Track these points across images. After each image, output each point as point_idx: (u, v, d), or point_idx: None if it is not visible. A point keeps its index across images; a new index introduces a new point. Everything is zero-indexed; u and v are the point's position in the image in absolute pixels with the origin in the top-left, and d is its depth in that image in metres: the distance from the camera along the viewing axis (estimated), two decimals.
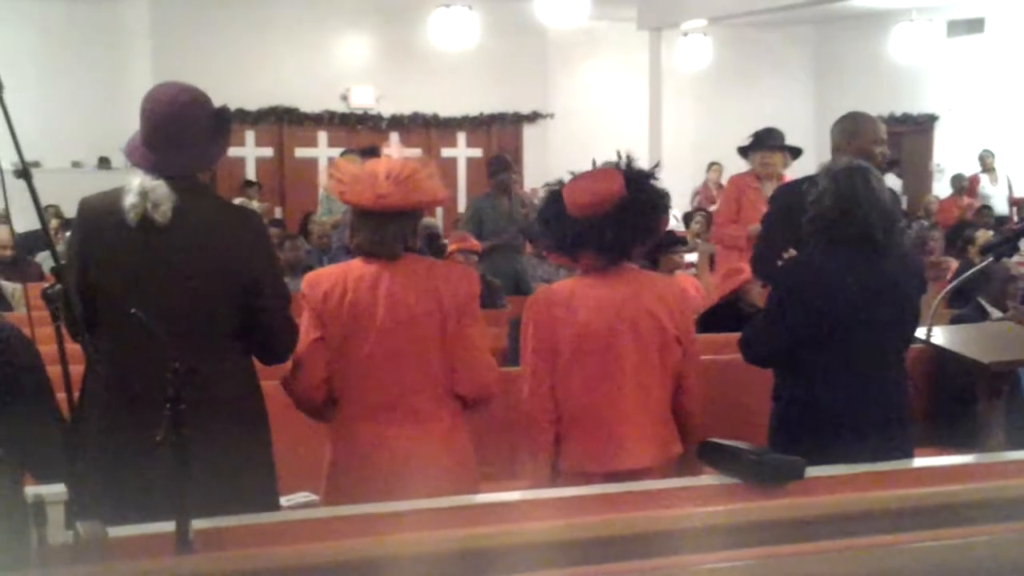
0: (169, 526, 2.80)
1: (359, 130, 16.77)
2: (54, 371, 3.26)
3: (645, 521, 3.18)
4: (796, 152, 8.11)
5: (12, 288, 8.28)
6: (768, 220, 5.38)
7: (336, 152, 13.76)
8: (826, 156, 5.03)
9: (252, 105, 15.93)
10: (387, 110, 17.07)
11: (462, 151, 17.80)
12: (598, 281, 3.93)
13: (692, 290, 8.63)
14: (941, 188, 17.80)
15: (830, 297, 3.98)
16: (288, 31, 16.24)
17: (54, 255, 3.26)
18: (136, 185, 3.45)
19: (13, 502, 2.73)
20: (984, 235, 9.96)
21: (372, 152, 8.74)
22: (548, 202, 4.02)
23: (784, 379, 4.14)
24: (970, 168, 16.96)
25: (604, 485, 3.59)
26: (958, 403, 5.22)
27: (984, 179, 16.77)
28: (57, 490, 2.75)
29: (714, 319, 6.59)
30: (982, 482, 3.59)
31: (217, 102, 3.62)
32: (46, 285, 3.32)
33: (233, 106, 4.07)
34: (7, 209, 3.24)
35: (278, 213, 15.65)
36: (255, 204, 13.04)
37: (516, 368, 4.05)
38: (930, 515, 3.33)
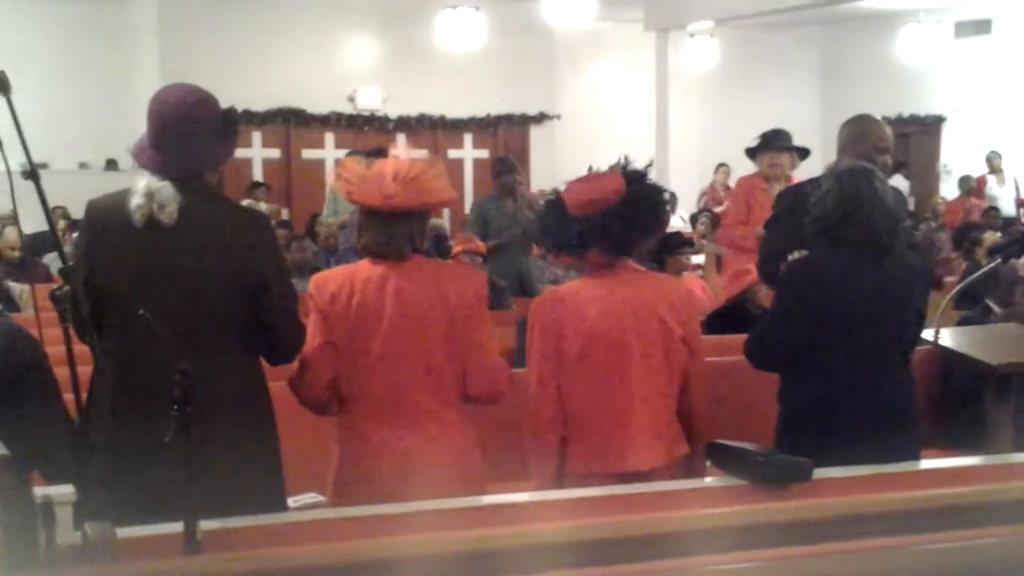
0: (177, 527, 2.80)
1: (366, 131, 16.79)
2: (62, 372, 3.27)
3: (652, 522, 3.17)
4: (804, 153, 8.10)
5: (20, 289, 8.31)
6: (772, 223, 5.37)
7: (342, 154, 13.78)
8: (833, 157, 5.04)
9: (259, 106, 15.96)
10: (394, 111, 17.09)
11: (468, 152, 17.81)
12: (604, 282, 3.93)
13: (699, 292, 8.62)
14: (948, 189, 17.78)
15: (834, 299, 3.97)
16: (295, 33, 16.27)
17: (62, 256, 3.27)
18: (142, 186, 3.45)
19: (21, 502, 2.73)
20: (991, 236, 9.95)
21: (379, 153, 8.73)
22: (549, 206, 4.03)
23: (789, 381, 4.14)
24: (977, 169, 16.94)
25: (612, 486, 3.59)
26: (965, 405, 5.22)
27: (991, 180, 16.75)
28: (65, 491, 2.76)
29: (721, 321, 6.59)
30: (990, 484, 3.58)
31: (224, 103, 3.62)
32: (54, 286, 3.33)
33: (240, 107, 4.07)
34: (15, 210, 3.25)
35: (285, 214, 15.67)
36: (262, 205, 13.05)
37: (524, 370, 4.06)
38: (938, 517, 3.32)
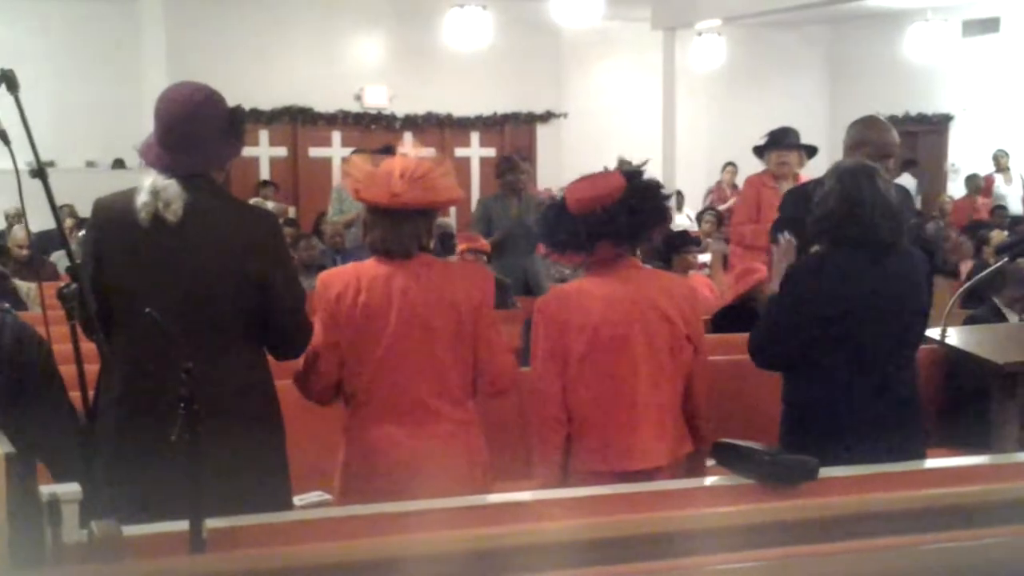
0: (183, 525, 2.80)
1: (373, 130, 16.80)
2: (69, 370, 3.28)
3: (658, 521, 3.17)
4: (812, 151, 8.09)
5: (27, 287, 8.32)
6: (777, 226, 5.37)
7: (349, 152, 13.78)
8: (840, 156, 5.03)
9: (266, 105, 15.98)
10: (401, 110, 17.09)
11: (475, 151, 17.82)
12: (608, 280, 3.93)
13: (706, 290, 8.62)
14: (956, 188, 17.76)
15: (837, 297, 3.97)
16: (302, 31, 16.28)
17: (69, 254, 3.28)
18: (148, 184, 3.46)
19: (27, 500, 2.74)
20: (999, 235, 9.94)
21: (388, 151, 8.74)
22: (549, 207, 4.06)
23: (793, 381, 4.13)
24: (985, 168, 16.92)
25: (618, 485, 3.59)
26: (972, 404, 5.20)
27: (999, 179, 16.73)
28: (71, 489, 2.76)
29: (728, 319, 6.59)
30: (996, 483, 3.58)
31: (231, 102, 3.62)
32: (61, 284, 3.34)
33: (247, 106, 4.08)
34: (23, 208, 3.26)
35: (292, 212, 15.68)
36: (269, 204, 13.06)
37: (529, 368, 4.06)
38: (944, 516, 3.32)
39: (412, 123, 17.15)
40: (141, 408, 3.39)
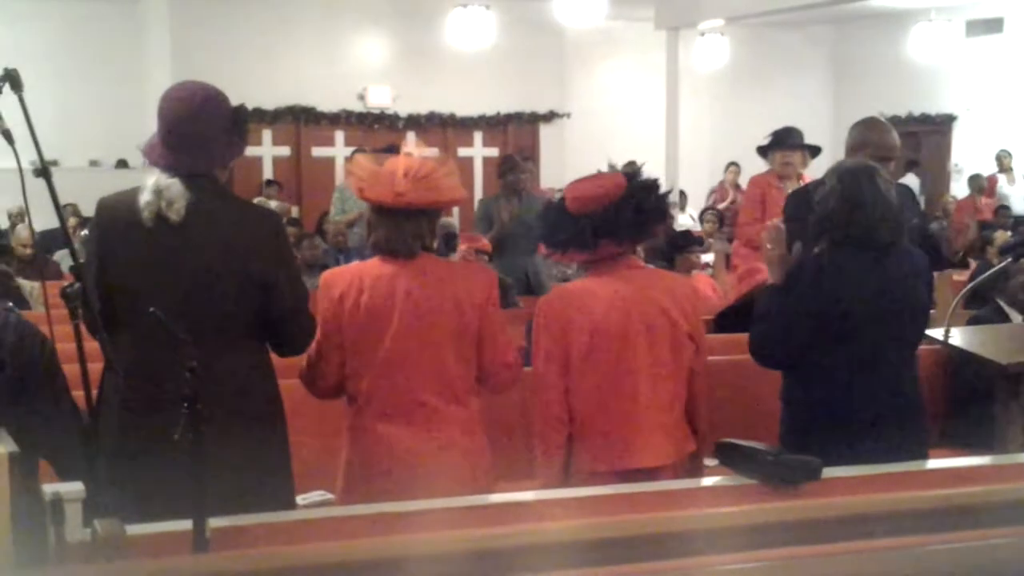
0: (186, 524, 2.80)
1: (376, 129, 16.80)
2: (72, 369, 3.28)
3: (660, 522, 3.17)
4: (816, 151, 8.08)
5: (31, 286, 8.33)
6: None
7: (352, 151, 13.79)
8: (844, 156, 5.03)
9: (269, 104, 15.97)
10: (404, 109, 17.09)
11: (478, 151, 17.81)
12: (610, 279, 3.93)
13: (709, 290, 8.62)
14: (959, 188, 17.75)
15: (838, 297, 3.97)
16: (305, 31, 16.28)
17: (72, 253, 3.28)
18: (151, 184, 3.46)
19: (30, 499, 2.74)
20: (1002, 236, 9.93)
21: (392, 151, 8.74)
22: (549, 207, 4.06)
23: (793, 380, 4.13)
24: (988, 168, 16.91)
25: (621, 485, 3.58)
26: (975, 404, 5.20)
27: (1002, 179, 16.72)
28: (75, 488, 2.76)
29: (730, 319, 6.58)
30: (999, 483, 3.57)
31: (234, 101, 3.63)
32: (65, 283, 3.34)
33: (250, 105, 4.08)
34: (26, 207, 3.26)
35: (295, 212, 15.69)
36: (272, 203, 13.07)
37: (531, 368, 4.06)
38: (947, 516, 3.31)
39: (415, 123, 17.13)
40: (144, 407, 3.39)
